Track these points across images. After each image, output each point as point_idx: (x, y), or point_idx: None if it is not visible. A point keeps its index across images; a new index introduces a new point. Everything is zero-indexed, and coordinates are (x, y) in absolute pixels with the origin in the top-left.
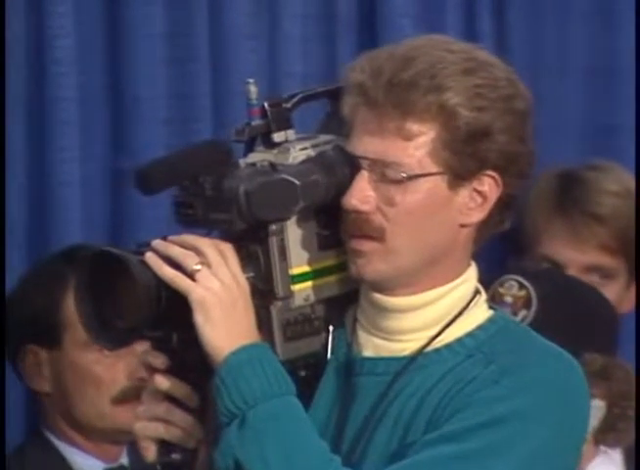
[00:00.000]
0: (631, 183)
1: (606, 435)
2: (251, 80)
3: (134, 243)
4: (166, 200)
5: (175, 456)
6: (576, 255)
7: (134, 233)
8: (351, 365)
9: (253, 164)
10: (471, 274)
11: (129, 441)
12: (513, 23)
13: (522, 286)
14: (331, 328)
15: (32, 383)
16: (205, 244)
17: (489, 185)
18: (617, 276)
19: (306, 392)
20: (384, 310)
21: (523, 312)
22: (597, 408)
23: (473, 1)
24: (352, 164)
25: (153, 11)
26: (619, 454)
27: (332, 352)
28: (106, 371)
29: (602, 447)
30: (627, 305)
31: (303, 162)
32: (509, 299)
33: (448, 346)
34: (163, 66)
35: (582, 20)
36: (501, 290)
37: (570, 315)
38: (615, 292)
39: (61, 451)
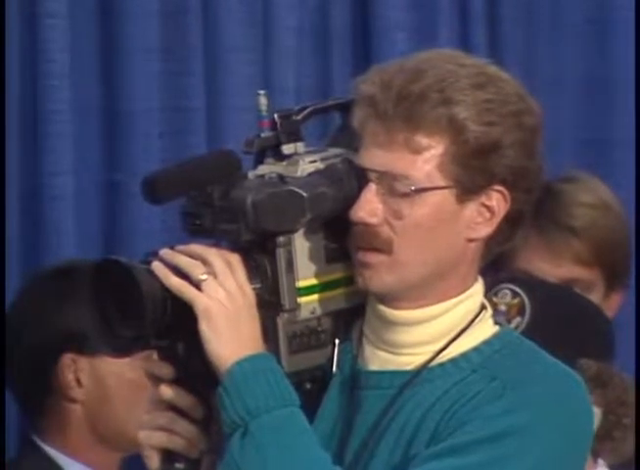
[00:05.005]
0: (607, 195)
1: (603, 444)
2: (261, 92)
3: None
4: (161, 213)
5: (179, 466)
6: (553, 268)
7: (128, 246)
8: (356, 378)
9: (262, 176)
10: (477, 289)
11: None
12: (506, 37)
13: (515, 294)
14: (337, 342)
15: (67, 392)
16: (212, 254)
17: (497, 200)
18: (595, 288)
19: (311, 404)
20: (390, 323)
21: (517, 320)
22: (593, 415)
23: (466, 15)
24: (361, 177)
25: (147, 24)
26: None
27: (337, 366)
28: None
29: (600, 461)
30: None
31: (311, 174)
32: (503, 307)
33: (453, 360)
34: (158, 79)
35: (576, 32)
36: (495, 299)
37: (563, 322)
38: None
39: (60, 463)
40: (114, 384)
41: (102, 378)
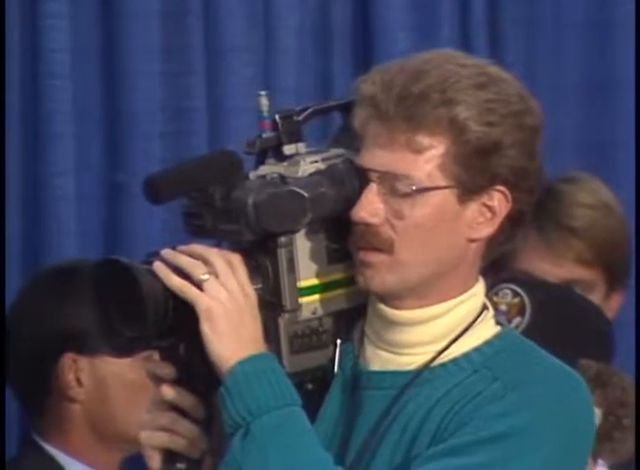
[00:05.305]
0: (607, 195)
1: (602, 445)
2: (262, 93)
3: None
4: (163, 214)
5: (180, 466)
6: (553, 268)
7: (129, 246)
8: (358, 379)
9: (263, 177)
10: (478, 289)
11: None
12: (507, 38)
13: (515, 294)
14: (338, 342)
15: (68, 391)
16: (214, 254)
17: (499, 200)
18: (596, 288)
19: (313, 405)
20: (391, 323)
21: (517, 320)
22: (594, 416)
23: (467, 15)
24: (362, 177)
25: (148, 24)
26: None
27: (339, 366)
28: (145, 377)
29: (600, 461)
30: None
31: (313, 174)
32: (503, 307)
33: (455, 360)
34: (158, 79)
35: (577, 35)
36: (495, 298)
37: (563, 322)
38: None
39: (61, 462)
40: (115, 384)
41: (102, 378)
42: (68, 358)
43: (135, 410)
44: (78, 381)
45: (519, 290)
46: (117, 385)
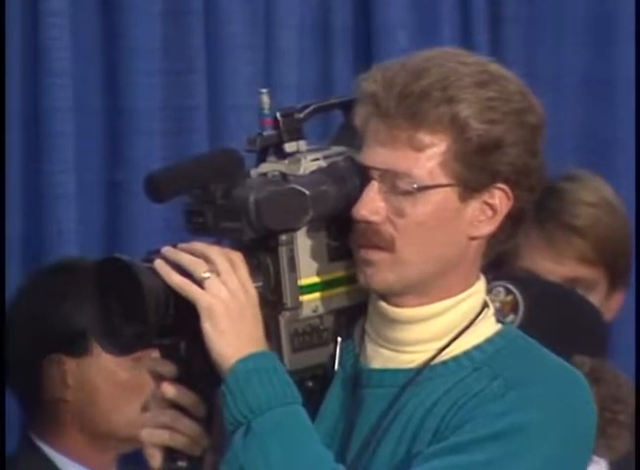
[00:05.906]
0: (609, 193)
1: (597, 441)
2: (263, 90)
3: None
4: (164, 212)
5: (181, 464)
6: (555, 267)
7: (131, 244)
8: (358, 377)
9: (265, 174)
10: (479, 287)
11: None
12: (508, 36)
13: (508, 291)
14: (339, 340)
15: (55, 392)
16: (215, 252)
17: (500, 198)
18: (597, 287)
19: (313, 403)
20: (392, 321)
21: (510, 317)
22: (595, 414)
23: (468, 14)
24: (363, 175)
25: (149, 23)
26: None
27: (339, 364)
28: (137, 377)
29: (595, 458)
30: (609, 315)
31: (314, 172)
32: (497, 305)
33: (456, 358)
34: (160, 77)
35: (578, 33)
36: (489, 296)
37: (556, 319)
38: (595, 302)
39: (56, 463)
40: (102, 384)
41: (89, 379)
42: (55, 359)
43: (125, 410)
44: (65, 382)
45: (511, 287)
46: (105, 385)
